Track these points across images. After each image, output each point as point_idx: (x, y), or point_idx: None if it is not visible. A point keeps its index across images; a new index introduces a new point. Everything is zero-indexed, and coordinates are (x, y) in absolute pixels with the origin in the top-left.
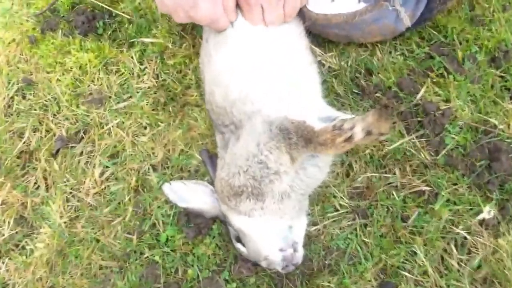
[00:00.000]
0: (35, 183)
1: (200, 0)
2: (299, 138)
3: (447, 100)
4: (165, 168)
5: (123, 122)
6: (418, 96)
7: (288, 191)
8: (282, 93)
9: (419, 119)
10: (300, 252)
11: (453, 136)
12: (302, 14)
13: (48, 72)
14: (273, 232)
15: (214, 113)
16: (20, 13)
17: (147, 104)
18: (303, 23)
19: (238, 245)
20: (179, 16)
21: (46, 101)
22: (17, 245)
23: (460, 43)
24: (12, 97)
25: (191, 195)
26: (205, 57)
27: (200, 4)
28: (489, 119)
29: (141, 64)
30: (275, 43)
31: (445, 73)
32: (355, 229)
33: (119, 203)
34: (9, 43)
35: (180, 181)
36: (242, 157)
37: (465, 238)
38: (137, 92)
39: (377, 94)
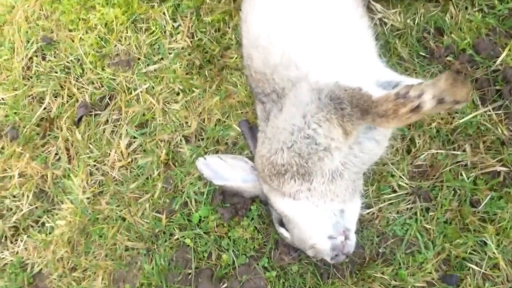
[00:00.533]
0: (55, 154)
1: None
2: (354, 108)
3: None
4: (199, 140)
5: (153, 87)
6: (499, 60)
7: (340, 169)
8: (332, 54)
9: (497, 87)
10: (352, 240)
11: None
12: None
13: (70, 30)
14: (322, 217)
15: (253, 80)
16: None
17: (180, 67)
18: None
19: (282, 230)
20: None
21: (68, 62)
22: (36, 221)
23: None
24: (31, 58)
25: (228, 171)
26: (242, 14)
27: None
28: None
29: (174, 21)
30: None
31: None
32: (415, 213)
33: (147, 178)
34: None
35: (217, 155)
36: (286, 131)
37: None
38: (169, 54)
39: (448, 58)
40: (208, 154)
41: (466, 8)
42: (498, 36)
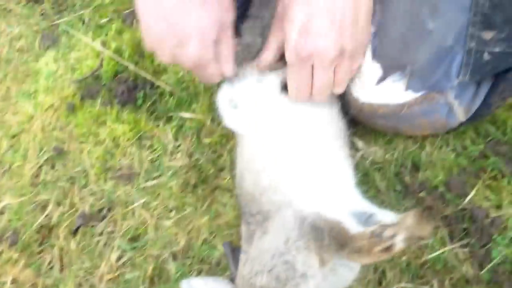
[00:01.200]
0: (49, 262)
1: (190, 38)
2: (332, 240)
3: (499, 207)
4: (185, 258)
5: (149, 203)
6: (467, 199)
7: None
8: (313, 184)
9: (465, 226)
10: None
11: (502, 248)
12: (347, 101)
13: (80, 142)
14: None
15: (243, 199)
16: (64, 77)
17: (176, 185)
18: (348, 111)
19: None
20: (164, 52)
21: (74, 173)
22: None
23: None
24: (41, 166)
25: None
26: (238, 137)
27: (189, 42)
28: None
29: (176, 140)
30: (307, 127)
31: (499, 176)
32: None
33: None
34: (47, 108)
35: (200, 277)
36: (268, 254)
37: None
38: (168, 171)
39: (421, 194)
40: (195, 275)
41: (441, 147)
42: (468, 175)
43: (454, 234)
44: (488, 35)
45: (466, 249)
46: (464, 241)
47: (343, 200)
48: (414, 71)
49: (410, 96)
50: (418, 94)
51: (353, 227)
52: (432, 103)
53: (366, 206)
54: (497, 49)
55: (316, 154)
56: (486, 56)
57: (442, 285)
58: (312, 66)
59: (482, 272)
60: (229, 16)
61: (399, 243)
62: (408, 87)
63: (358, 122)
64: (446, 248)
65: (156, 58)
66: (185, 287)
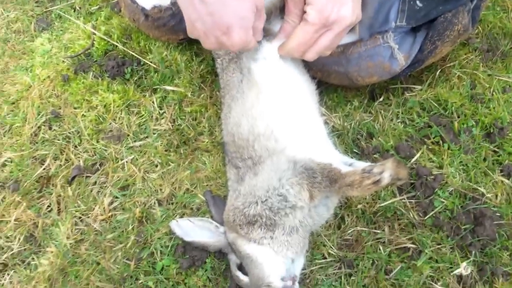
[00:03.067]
0: (48, 206)
1: (233, 27)
2: (324, 178)
3: (440, 167)
4: (169, 204)
5: (137, 159)
6: (413, 160)
7: (297, 225)
8: (306, 136)
9: (411, 181)
10: (297, 286)
11: (442, 200)
12: None
13: (75, 108)
14: (279, 261)
15: (234, 145)
16: (58, 55)
17: (161, 145)
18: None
19: (238, 273)
20: (210, 41)
21: (69, 133)
22: (23, 261)
23: (458, 117)
24: (39, 127)
25: (196, 231)
26: (237, 93)
27: (233, 31)
28: (478, 188)
29: (161, 108)
30: (300, 87)
31: (441, 142)
32: (340, 277)
33: (122, 231)
34: (44, 79)
35: (187, 218)
36: (263, 188)
37: None
38: (154, 134)
39: (375, 155)
40: (179, 218)
41: (392, 119)
42: (414, 141)
43: (402, 188)
44: None
45: (413, 200)
46: (411, 194)
47: (328, 150)
48: (363, 20)
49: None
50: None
51: (343, 168)
52: (375, 45)
53: (345, 157)
54: None
55: (305, 109)
56: (418, 3)
57: (393, 229)
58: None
59: (426, 218)
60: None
61: (385, 178)
62: (360, 35)
63: (314, 77)
64: (396, 199)
65: (203, 44)
66: (174, 227)
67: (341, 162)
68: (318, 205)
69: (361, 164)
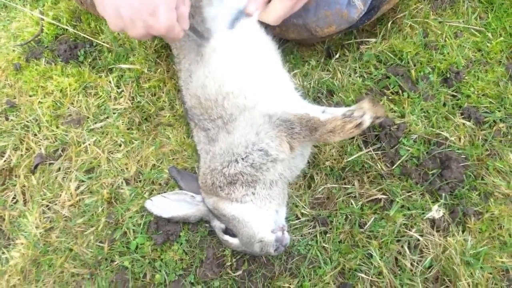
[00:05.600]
0: (13, 198)
1: (160, 6)
2: (303, 127)
3: (402, 116)
4: (137, 182)
5: (100, 141)
6: None
7: (276, 179)
8: (275, 90)
9: (376, 133)
10: (287, 235)
11: (408, 148)
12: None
13: (30, 96)
14: (265, 215)
15: (201, 107)
16: (7, 45)
17: (122, 124)
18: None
19: (226, 237)
20: (137, 27)
21: (27, 122)
22: None
23: (414, 65)
24: None
25: (173, 205)
26: (196, 56)
27: (160, 11)
28: (441, 132)
29: (118, 88)
30: (264, 45)
31: (400, 92)
32: (316, 236)
33: (92, 214)
34: None
35: (160, 195)
36: (241, 145)
37: (418, 240)
38: (114, 113)
39: None
40: (148, 194)
41: (350, 75)
42: (374, 94)
43: (367, 141)
44: None
45: (379, 152)
46: (376, 146)
47: (299, 101)
48: None
49: None
50: None
51: (321, 116)
52: None
53: (316, 105)
54: None
55: (271, 64)
56: None
57: (362, 182)
58: None
59: (393, 167)
60: None
61: (367, 120)
62: None
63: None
64: (362, 152)
65: (129, 35)
66: (149, 206)
67: (316, 110)
68: (295, 156)
69: (336, 110)
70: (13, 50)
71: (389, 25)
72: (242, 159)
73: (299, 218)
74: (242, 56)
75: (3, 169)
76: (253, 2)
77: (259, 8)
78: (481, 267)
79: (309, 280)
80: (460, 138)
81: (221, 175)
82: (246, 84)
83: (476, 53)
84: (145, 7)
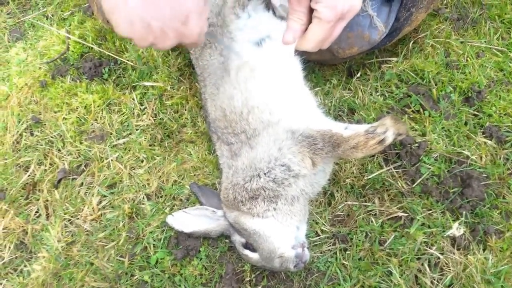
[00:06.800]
0: (36, 212)
1: (192, 14)
2: (326, 143)
3: (423, 134)
4: (158, 197)
5: (122, 157)
6: None
7: (298, 195)
8: (300, 107)
9: (396, 151)
10: (308, 251)
11: (428, 166)
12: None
13: (55, 112)
14: (286, 231)
15: (225, 120)
16: (34, 63)
17: (145, 140)
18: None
19: (246, 252)
20: (169, 38)
21: (52, 137)
22: (15, 269)
23: (436, 84)
24: (21, 134)
25: (194, 220)
26: (223, 72)
27: (191, 18)
28: (462, 151)
29: (141, 104)
30: (289, 62)
31: (421, 110)
32: (335, 253)
33: (113, 229)
34: (22, 87)
35: (181, 210)
36: (264, 160)
37: (438, 258)
38: (136, 130)
39: None
40: (169, 210)
41: (371, 94)
42: (396, 112)
43: (388, 158)
44: None
45: (400, 170)
46: (397, 163)
47: (321, 118)
48: None
49: None
50: None
51: (344, 132)
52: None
53: (338, 122)
54: None
55: (295, 82)
56: None
57: (383, 200)
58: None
59: (414, 186)
60: None
61: (389, 136)
62: None
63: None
64: (382, 170)
65: (160, 44)
66: (170, 221)
67: (338, 126)
68: (317, 172)
69: (359, 127)
70: (40, 68)
71: (410, 44)
72: (265, 174)
73: (319, 235)
74: (269, 73)
75: (27, 183)
76: (291, 31)
77: (296, 38)
78: (502, 286)
79: None
80: (481, 157)
81: (243, 189)
82: (271, 99)
83: (498, 73)
84: (177, 16)
